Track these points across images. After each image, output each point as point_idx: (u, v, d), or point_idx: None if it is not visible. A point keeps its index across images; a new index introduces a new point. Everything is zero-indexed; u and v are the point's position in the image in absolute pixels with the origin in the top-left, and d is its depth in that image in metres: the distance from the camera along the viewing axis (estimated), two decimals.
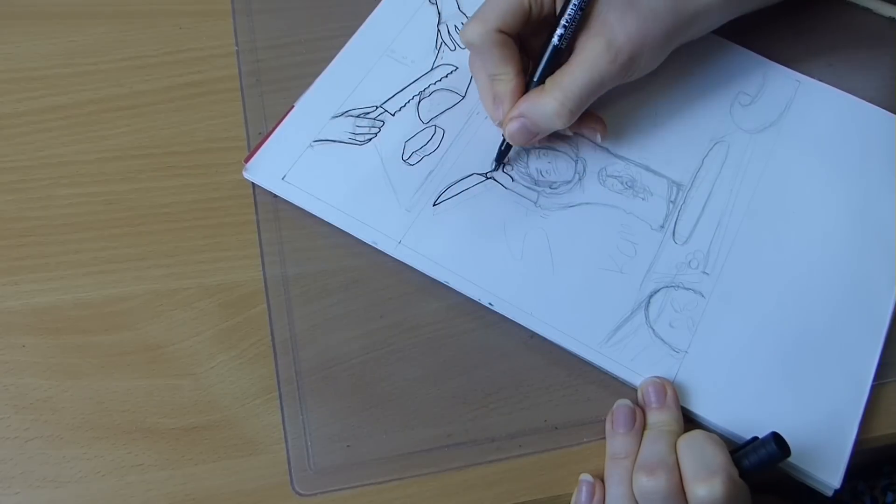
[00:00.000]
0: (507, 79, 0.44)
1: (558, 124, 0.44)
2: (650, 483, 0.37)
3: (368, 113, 0.49)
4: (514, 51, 0.44)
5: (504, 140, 0.46)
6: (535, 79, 0.45)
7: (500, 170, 0.48)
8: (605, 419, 0.42)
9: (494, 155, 0.47)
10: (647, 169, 0.48)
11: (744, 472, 0.38)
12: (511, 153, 0.48)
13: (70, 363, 0.43)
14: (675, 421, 0.41)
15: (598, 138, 0.48)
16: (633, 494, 0.38)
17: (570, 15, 0.43)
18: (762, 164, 0.49)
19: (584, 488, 0.40)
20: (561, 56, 0.44)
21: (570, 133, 0.48)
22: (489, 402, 0.43)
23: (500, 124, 0.46)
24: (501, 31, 0.43)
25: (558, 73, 0.44)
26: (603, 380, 0.43)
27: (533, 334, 0.44)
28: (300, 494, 0.41)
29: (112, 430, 0.41)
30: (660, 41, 0.45)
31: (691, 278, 0.45)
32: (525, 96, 0.45)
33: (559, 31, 0.44)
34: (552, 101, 0.43)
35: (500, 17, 0.44)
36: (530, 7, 0.44)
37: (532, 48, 0.46)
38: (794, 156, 0.49)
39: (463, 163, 0.48)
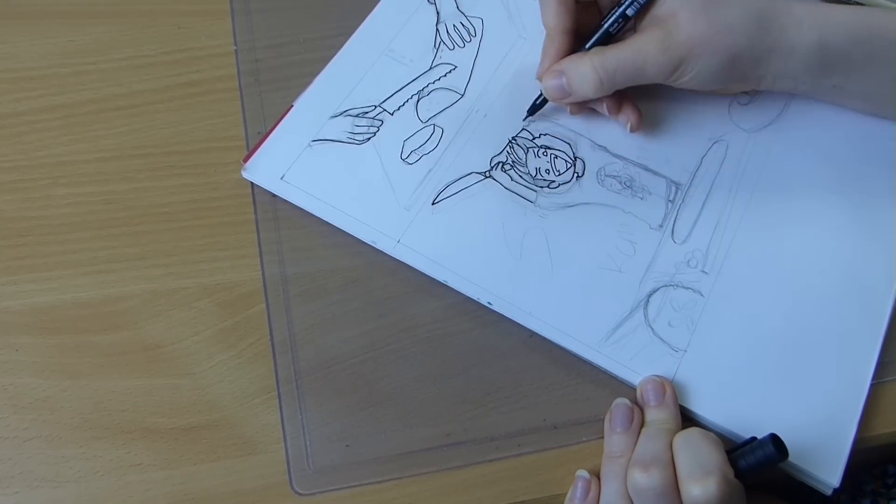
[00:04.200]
0: (553, 33, 0.46)
1: (589, 91, 0.45)
2: (644, 479, 0.37)
3: (367, 112, 0.49)
4: (572, 10, 0.45)
5: (541, 94, 0.48)
6: (587, 45, 0.46)
7: (529, 120, 0.49)
8: (603, 418, 0.42)
9: (528, 107, 0.49)
10: (646, 168, 0.48)
11: (740, 473, 0.38)
12: (546, 109, 0.49)
13: (69, 363, 0.43)
14: (672, 419, 0.41)
15: (628, 127, 0.48)
16: (628, 491, 0.38)
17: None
18: (761, 163, 0.49)
19: (579, 484, 0.40)
20: (624, 35, 0.45)
21: (605, 112, 0.48)
22: (488, 401, 0.43)
23: (539, 78, 0.47)
24: None
25: (608, 47, 0.45)
26: (602, 379, 0.43)
27: (532, 333, 0.44)
28: (299, 494, 0.41)
29: (111, 429, 0.41)
30: (721, 57, 0.43)
31: (690, 277, 0.45)
32: (571, 56, 0.46)
33: (624, 2, 0.45)
34: (588, 65, 0.44)
35: None
36: None
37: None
38: (793, 155, 0.49)
39: (462, 162, 0.48)
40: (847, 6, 0.44)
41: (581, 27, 0.46)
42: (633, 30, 0.46)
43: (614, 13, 0.45)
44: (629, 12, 0.45)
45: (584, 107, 0.48)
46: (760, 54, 0.44)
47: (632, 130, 0.48)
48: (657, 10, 0.44)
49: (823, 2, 0.45)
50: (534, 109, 0.49)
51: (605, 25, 0.46)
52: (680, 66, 0.44)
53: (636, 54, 0.43)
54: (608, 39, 0.46)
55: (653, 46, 0.43)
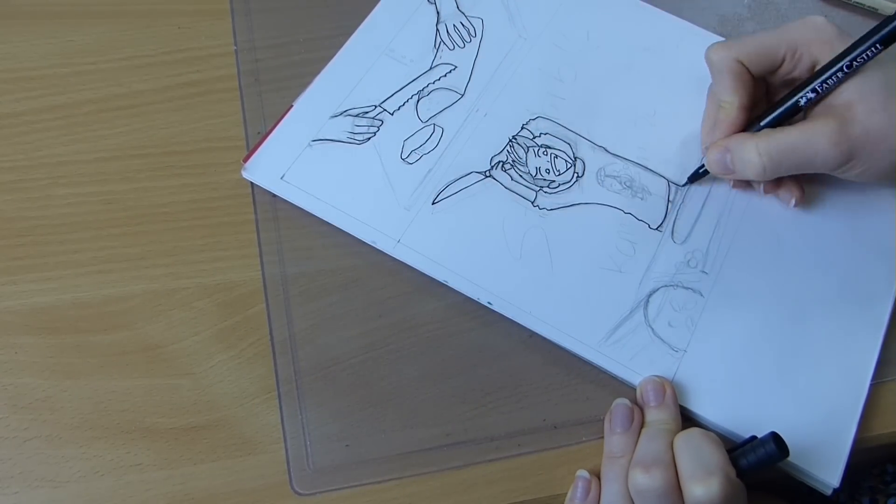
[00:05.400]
0: (729, 107, 0.44)
1: (751, 175, 0.43)
2: (646, 480, 0.37)
3: (367, 112, 0.49)
4: (748, 86, 0.44)
5: (702, 164, 0.47)
6: (760, 123, 0.44)
7: (687, 187, 0.48)
8: (603, 418, 0.42)
9: (689, 174, 0.48)
10: (646, 168, 0.48)
11: (741, 472, 0.38)
12: (703, 179, 0.48)
13: (69, 363, 0.43)
14: (672, 419, 0.41)
15: (792, 203, 0.46)
16: (629, 492, 0.38)
17: (823, 79, 0.42)
18: None
19: (579, 485, 0.40)
20: (794, 119, 0.44)
21: (761, 190, 0.47)
22: (488, 401, 0.43)
23: (705, 148, 0.46)
24: (741, 63, 0.44)
25: (777, 130, 0.43)
26: (602, 379, 0.43)
27: (532, 333, 0.44)
28: (299, 494, 0.41)
29: (111, 429, 0.41)
30: (894, 156, 0.42)
31: (690, 277, 0.45)
32: (739, 133, 0.44)
33: (806, 88, 0.43)
34: (754, 149, 0.42)
35: (746, 51, 0.44)
36: (784, 60, 0.44)
37: (773, 100, 0.46)
38: None
39: (462, 161, 0.48)
40: None
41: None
42: (804, 116, 0.44)
43: (789, 101, 0.44)
44: (801, 102, 0.43)
45: (746, 183, 0.47)
46: None
47: (795, 206, 0.46)
48: (833, 98, 0.43)
49: None
50: (695, 178, 0.47)
51: (779, 111, 0.44)
52: (850, 160, 0.42)
53: (806, 144, 0.42)
54: (779, 122, 0.44)
55: (825, 138, 0.41)
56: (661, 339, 0.44)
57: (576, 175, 0.48)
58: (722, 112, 0.45)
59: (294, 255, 0.46)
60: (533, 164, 0.48)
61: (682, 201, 0.48)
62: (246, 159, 0.47)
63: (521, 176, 0.48)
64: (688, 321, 0.44)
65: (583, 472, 0.41)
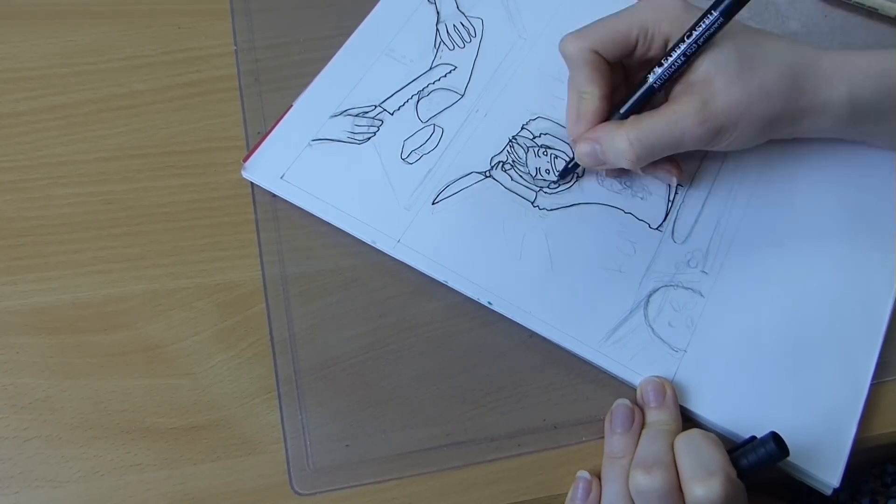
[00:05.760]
0: (590, 98, 0.44)
1: (623, 163, 0.43)
2: (646, 481, 0.37)
3: (367, 112, 0.49)
4: (606, 74, 0.44)
5: (573, 157, 0.46)
6: (620, 111, 0.44)
7: (560, 185, 0.47)
8: (604, 418, 0.42)
9: (559, 170, 0.47)
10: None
11: (741, 472, 0.38)
12: (580, 172, 0.48)
13: (69, 363, 0.43)
14: (673, 420, 0.41)
15: (673, 181, 0.47)
16: (630, 493, 0.38)
17: (673, 60, 0.42)
18: (761, 162, 0.49)
19: (580, 485, 0.40)
20: (654, 98, 0.44)
21: (640, 172, 0.47)
22: (488, 401, 0.43)
23: (573, 141, 0.45)
24: (596, 52, 0.43)
25: (643, 116, 0.43)
26: (602, 379, 0.43)
27: (532, 333, 0.44)
28: (299, 494, 0.41)
29: (111, 429, 0.41)
30: (758, 123, 0.43)
31: (690, 277, 0.45)
32: (605, 123, 0.44)
33: (657, 69, 0.43)
34: (624, 139, 0.42)
35: (599, 39, 0.43)
36: (637, 42, 0.44)
37: (633, 83, 0.45)
38: (793, 154, 0.49)
39: (462, 161, 0.48)
40: (870, 52, 0.44)
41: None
42: (665, 94, 0.44)
43: (644, 85, 0.44)
44: (656, 84, 0.43)
45: (621, 172, 0.48)
46: (795, 115, 0.43)
47: (677, 183, 0.47)
48: (691, 75, 0.43)
49: (847, 50, 0.44)
50: (566, 172, 0.47)
51: (636, 97, 0.44)
52: (718, 135, 0.43)
53: (673, 126, 0.42)
54: (639, 107, 0.44)
55: (690, 119, 0.42)
56: (661, 339, 0.44)
57: (576, 175, 0.48)
58: (583, 104, 0.44)
59: (294, 255, 0.46)
60: (533, 164, 0.48)
61: (682, 201, 0.48)
62: (246, 159, 0.47)
63: (521, 176, 0.48)
64: (688, 321, 0.44)
65: (583, 473, 0.41)
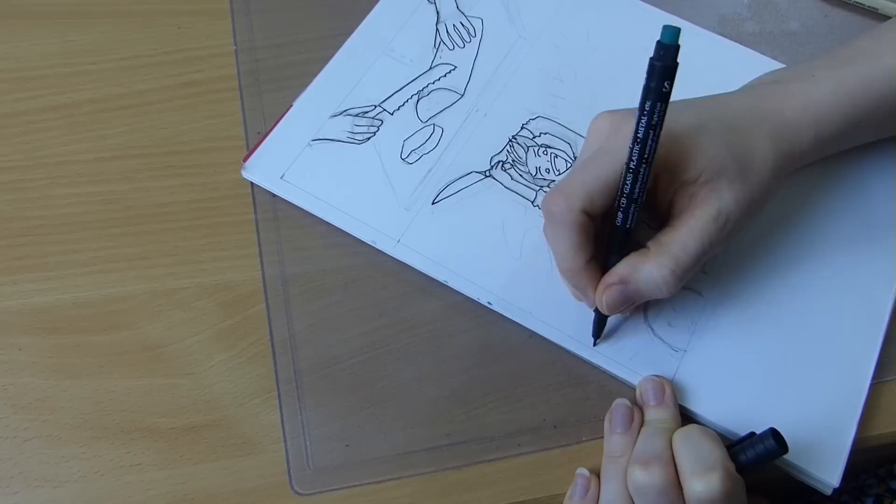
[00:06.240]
0: (578, 269, 0.40)
1: (664, 293, 0.40)
2: (644, 477, 0.37)
3: (367, 112, 0.49)
4: (591, 233, 0.40)
5: (597, 313, 0.42)
6: (611, 262, 0.41)
7: (596, 344, 0.43)
8: (603, 418, 0.42)
9: (593, 334, 0.43)
10: None
11: (740, 467, 0.38)
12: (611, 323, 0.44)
13: (69, 363, 0.43)
14: (672, 418, 0.41)
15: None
16: (628, 490, 0.38)
17: (630, 189, 0.38)
18: None
19: (579, 483, 0.40)
20: (631, 234, 0.40)
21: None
22: (488, 401, 0.43)
23: (589, 303, 0.42)
24: (585, 213, 0.39)
25: (665, 239, 0.40)
26: (601, 379, 0.43)
27: (532, 333, 0.44)
28: (299, 494, 0.41)
29: (111, 429, 0.41)
30: (764, 204, 0.42)
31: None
32: (624, 262, 0.40)
33: (622, 210, 0.39)
34: (662, 270, 0.39)
35: (588, 196, 0.39)
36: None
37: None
38: None
39: (462, 161, 0.48)
40: (828, 78, 0.43)
41: None
42: (660, 195, 0.41)
43: (619, 231, 0.40)
44: (629, 224, 0.39)
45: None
46: (787, 175, 0.43)
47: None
48: (686, 188, 0.40)
49: (805, 84, 0.44)
50: (599, 330, 0.43)
51: (617, 246, 0.40)
52: (737, 233, 0.41)
53: (702, 242, 0.39)
54: (623, 247, 0.40)
55: (712, 228, 0.39)
56: (661, 339, 0.44)
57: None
58: (575, 276, 0.40)
59: (294, 254, 0.46)
60: (533, 163, 0.48)
61: None
62: (246, 159, 0.47)
63: (521, 176, 0.48)
64: (688, 321, 0.44)
65: (582, 471, 0.41)
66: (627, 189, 0.38)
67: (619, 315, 0.44)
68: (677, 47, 0.36)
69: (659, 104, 0.36)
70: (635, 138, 0.37)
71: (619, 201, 0.39)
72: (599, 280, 0.41)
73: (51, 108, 0.49)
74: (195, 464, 0.41)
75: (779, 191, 0.43)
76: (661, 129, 0.37)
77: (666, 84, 0.36)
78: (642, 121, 0.37)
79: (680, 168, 0.40)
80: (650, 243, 0.40)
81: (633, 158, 0.38)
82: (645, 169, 0.38)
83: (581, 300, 0.43)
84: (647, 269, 0.39)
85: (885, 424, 0.43)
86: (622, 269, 0.40)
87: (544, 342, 0.44)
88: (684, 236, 0.39)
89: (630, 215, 0.39)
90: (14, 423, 0.41)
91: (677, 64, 0.36)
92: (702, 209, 0.40)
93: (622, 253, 0.40)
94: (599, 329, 0.43)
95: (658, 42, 0.36)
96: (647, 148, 0.37)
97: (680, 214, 0.40)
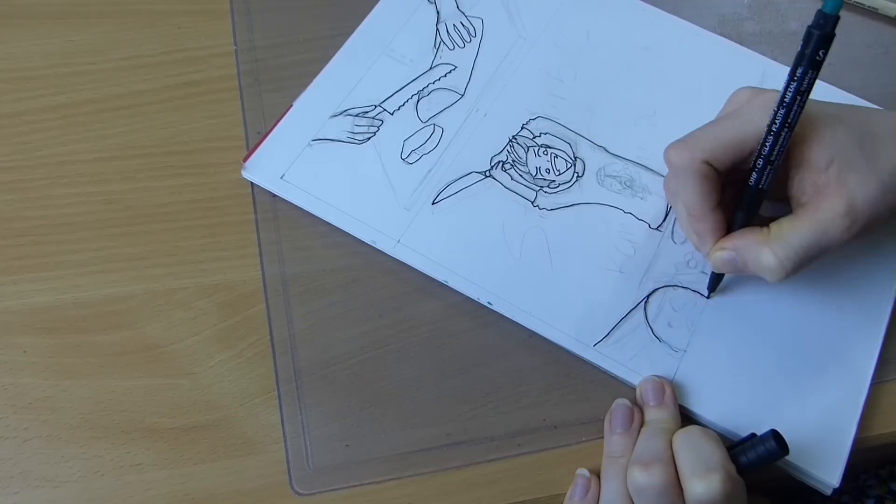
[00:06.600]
0: (702, 216, 0.41)
1: (770, 278, 0.40)
2: (644, 478, 0.37)
3: (367, 112, 0.49)
4: (716, 184, 0.40)
5: (714, 274, 0.44)
6: (737, 220, 0.41)
7: (709, 296, 0.45)
8: (603, 418, 0.42)
9: (708, 285, 0.44)
10: (646, 168, 0.48)
11: (741, 469, 0.38)
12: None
13: (69, 363, 0.43)
14: (672, 419, 0.41)
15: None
16: (628, 490, 0.38)
17: (769, 150, 0.39)
18: None
19: (579, 483, 0.40)
20: (762, 196, 0.41)
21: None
22: (488, 401, 0.43)
23: (704, 253, 0.43)
24: (707, 163, 0.39)
25: (786, 226, 0.40)
26: (602, 379, 0.43)
27: (532, 333, 0.44)
28: (299, 494, 0.41)
29: (111, 429, 0.41)
30: (889, 214, 0.40)
31: (690, 278, 0.45)
32: (743, 233, 0.41)
33: (756, 171, 0.39)
34: (772, 256, 0.39)
35: (711, 150, 0.39)
36: (752, 150, 0.40)
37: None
38: None
39: (462, 161, 0.48)
40: None
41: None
42: (787, 196, 0.41)
43: (750, 191, 0.40)
44: (764, 185, 0.40)
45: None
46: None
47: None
48: (813, 175, 0.40)
49: None
50: (714, 285, 0.44)
51: (748, 210, 0.41)
52: (861, 234, 0.40)
53: (821, 237, 0.39)
54: (752, 210, 0.41)
55: (837, 225, 0.39)
56: (661, 339, 0.44)
57: (576, 175, 0.48)
58: (699, 222, 0.41)
59: (294, 254, 0.46)
60: (533, 163, 0.48)
61: None
62: (246, 159, 0.47)
63: (521, 176, 0.48)
64: (688, 321, 0.44)
65: (583, 471, 0.41)
66: (766, 150, 0.39)
67: (619, 314, 0.44)
68: (837, 17, 0.37)
69: (811, 72, 0.37)
70: (781, 102, 0.38)
71: (756, 162, 0.39)
72: (720, 231, 0.41)
73: (51, 108, 0.49)
74: (195, 464, 0.41)
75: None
76: (807, 97, 0.38)
77: (821, 53, 0.37)
78: (791, 86, 0.38)
79: (810, 150, 0.40)
80: (773, 225, 0.40)
81: (777, 121, 0.38)
82: (786, 133, 0.38)
83: (699, 250, 0.43)
84: (761, 250, 0.40)
85: (886, 424, 0.43)
86: (740, 240, 0.41)
87: (544, 342, 0.44)
88: (805, 229, 0.39)
89: (764, 176, 0.40)
90: (14, 423, 0.41)
91: (835, 34, 0.37)
92: (830, 203, 0.39)
93: (750, 213, 0.41)
94: (715, 283, 0.44)
95: (819, 10, 0.37)
96: (792, 113, 0.38)
97: (806, 205, 0.40)
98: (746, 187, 0.40)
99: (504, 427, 0.42)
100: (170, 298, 0.45)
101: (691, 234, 0.43)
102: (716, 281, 0.44)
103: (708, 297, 0.45)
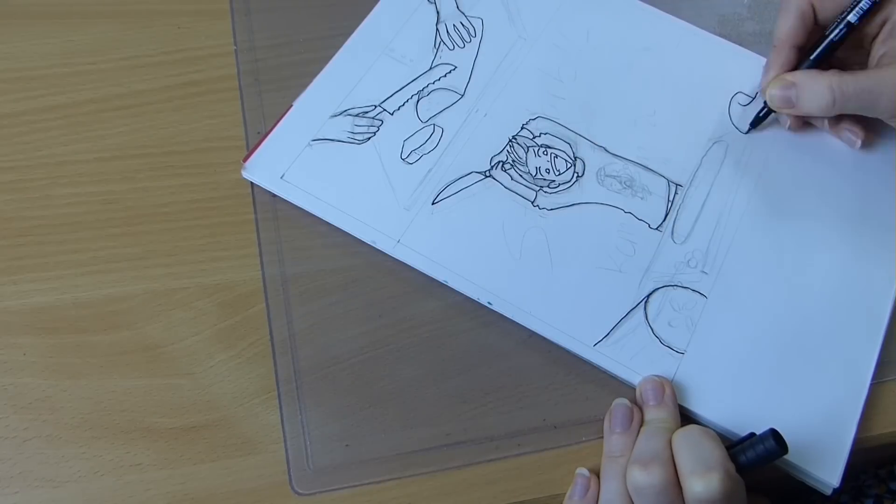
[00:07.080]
0: (781, 47, 0.46)
1: (817, 109, 0.44)
2: (644, 477, 0.37)
3: (367, 112, 0.49)
4: (808, 26, 0.46)
5: (764, 105, 0.48)
6: (812, 56, 0.46)
7: (750, 130, 0.49)
8: (603, 418, 0.42)
9: (751, 120, 0.49)
10: (646, 168, 0.48)
11: (740, 468, 0.38)
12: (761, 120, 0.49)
13: (69, 363, 0.43)
14: (671, 418, 0.41)
15: (857, 144, 0.48)
16: (627, 490, 0.38)
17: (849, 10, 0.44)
18: (760, 163, 0.49)
19: (578, 482, 0.40)
20: (833, 47, 0.46)
21: (824, 127, 0.49)
22: (488, 401, 0.43)
23: (763, 89, 0.47)
24: (812, 5, 0.45)
25: (847, 74, 0.44)
26: (601, 379, 0.43)
27: (532, 333, 0.44)
28: (299, 494, 0.41)
29: (111, 429, 0.41)
30: None
31: (690, 277, 0.45)
32: (805, 70, 0.46)
33: (853, 11, 0.44)
34: (825, 84, 0.43)
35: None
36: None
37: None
38: (793, 155, 0.49)
39: (462, 161, 0.48)
40: None
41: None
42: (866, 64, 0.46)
43: (838, 23, 0.46)
44: (852, 19, 0.45)
45: (804, 122, 0.49)
46: None
47: (861, 146, 0.48)
48: (885, 46, 0.44)
49: None
50: (757, 122, 0.49)
51: (830, 36, 0.46)
52: None
53: (874, 86, 0.43)
54: (831, 51, 0.46)
55: (889, 89, 0.43)
56: (661, 339, 0.44)
57: (576, 175, 0.48)
58: (775, 52, 0.46)
59: (294, 254, 0.46)
60: (533, 163, 0.48)
61: (682, 201, 0.48)
62: (246, 159, 0.47)
63: (521, 176, 0.48)
64: (688, 321, 0.44)
65: (582, 470, 0.41)
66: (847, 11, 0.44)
67: (620, 314, 0.44)
68: None
69: None
70: None
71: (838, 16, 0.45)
72: (786, 69, 0.46)
73: (51, 108, 0.49)
74: (195, 464, 0.41)
75: None
76: None
77: None
78: None
79: (890, 24, 0.44)
80: (832, 70, 0.44)
81: None
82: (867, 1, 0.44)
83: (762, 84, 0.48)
84: (818, 83, 0.44)
85: (885, 424, 0.43)
86: (800, 74, 0.45)
87: (544, 342, 0.44)
88: (862, 74, 0.43)
89: (838, 29, 0.45)
90: (14, 423, 0.41)
91: None
92: (892, 68, 0.43)
93: (817, 64, 0.46)
94: (758, 120, 0.49)
95: None
96: None
97: (877, 64, 0.44)
98: (821, 38, 0.46)
99: (504, 427, 0.42)
100: (170, 298, 0.45)
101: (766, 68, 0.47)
102: (761, 117, 0.48)
103: (746, 133, 0.49)
